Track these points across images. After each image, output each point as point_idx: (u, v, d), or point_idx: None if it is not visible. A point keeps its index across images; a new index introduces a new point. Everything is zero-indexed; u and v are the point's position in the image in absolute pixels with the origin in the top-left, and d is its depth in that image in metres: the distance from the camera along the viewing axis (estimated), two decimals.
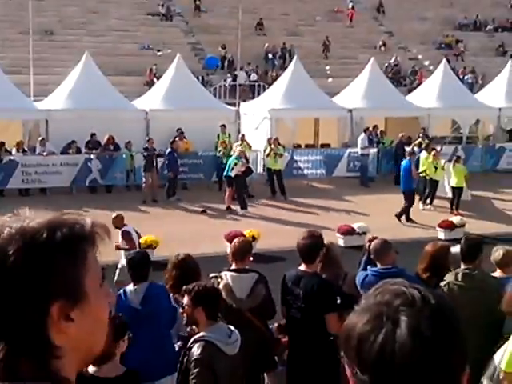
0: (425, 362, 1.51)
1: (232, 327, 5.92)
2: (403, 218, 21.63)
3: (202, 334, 5.71)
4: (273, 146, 25.26)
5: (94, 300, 1.69)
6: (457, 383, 1.58)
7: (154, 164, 24.26)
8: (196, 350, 5.59)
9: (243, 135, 26.78)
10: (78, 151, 25.64)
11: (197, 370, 5.48)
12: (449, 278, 7.45)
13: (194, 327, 5.94)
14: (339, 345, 1.69)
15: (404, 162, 22.59)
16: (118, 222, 14.63)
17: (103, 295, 1.75)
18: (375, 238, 8.48)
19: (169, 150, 24.56)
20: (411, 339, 1.51)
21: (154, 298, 7.23)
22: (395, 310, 1.55)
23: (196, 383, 5.49)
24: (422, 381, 1.52)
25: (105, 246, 1.72)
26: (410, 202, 21.91)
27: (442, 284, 7.38)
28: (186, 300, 5.89)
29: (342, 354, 1.65)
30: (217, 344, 5.61)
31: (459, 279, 7.33)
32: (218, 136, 26.75)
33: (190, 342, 5.76)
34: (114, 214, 14.98)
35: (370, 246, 8.20)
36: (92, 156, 25.26)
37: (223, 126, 27.13)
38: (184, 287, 6.11)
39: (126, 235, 14.21)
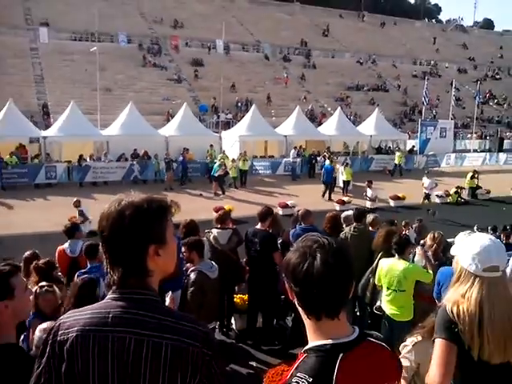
0: (330, 279, 1.63)
1: (213, 262, 5.99)
2: (327, 197, 22.12)
3: (195, 266, 5.77)
4: (242, 156, 25.46)
5: (170, 244, 1.82)
6: (347, 291, 1.70)
7: (171, 166, 24.20)
8: (192, 276, 5.65)
9: (224, 151, 26.83)
10: (126, 160, 25.47)
11: (192, 288, 5.54)
12: (346, 230, 7.63)
13: (189, 264, 5.97)
14: (281, 270, 1.77)
15: (327, 166, 23.14)
16: (76, 204, 14.81)
17: (174, 241, 1.87)
18: (301, 209, 8.56)
19: (181, 158, 24.74)
20: (322, 266, 1.63)
21: None
22: (314, 250, 1.67)
23: (191, 296, 5.54)
24: (326, 290, 1.63)
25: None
26: (330, 187, 22.43)
27: (342, 233, 7.55)
28: (183, 249, 5.90)
29: (283, 275, 1.75)
30: (205, 272, 5.66)
31: (351, 230, 7.50)
32: (208, 151, 26.72)
33: (189, 271, 5.81)
34: (75, 199, 15.19)
35: (298, 213, 8.28)
36: (134, 162, 25.10)
37: (211, 145, 27.37)
38: (182, 241, 6.13)
39: (81, 213, 14.33)
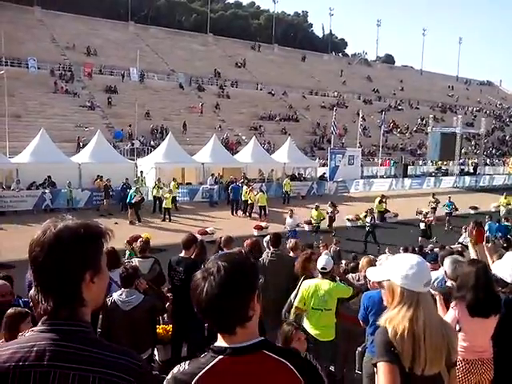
0: (215, 302, 1.72)
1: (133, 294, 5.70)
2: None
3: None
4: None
5: (105, 271, 1.74)
6: (240, 311, 1.73)
7: (109, 193, 24.18)
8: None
9: (159, 178, 26.05)
10: (37, 188, 24.23)
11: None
12: (264, 255, 7.59)
13: None
14: None
15: (234, 185, 24.65)
16: None
17: (107, 269, 1.77)
18: (224, 235, 8.47)
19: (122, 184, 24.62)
20: (208, 291, 1.73)
21: None
22: (206, 276, 1.79)
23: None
24: (211, 312, 1.74)
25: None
26: (236, 205, 23.91)
27: (260, 259, 7.50)
28: None
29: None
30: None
31: (269, 256, 7.47)
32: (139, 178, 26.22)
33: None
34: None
35: (220, 239, 8.18)
36: (46, 191, 23.85)
37: (141, 172, 28.06)
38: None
39: None
